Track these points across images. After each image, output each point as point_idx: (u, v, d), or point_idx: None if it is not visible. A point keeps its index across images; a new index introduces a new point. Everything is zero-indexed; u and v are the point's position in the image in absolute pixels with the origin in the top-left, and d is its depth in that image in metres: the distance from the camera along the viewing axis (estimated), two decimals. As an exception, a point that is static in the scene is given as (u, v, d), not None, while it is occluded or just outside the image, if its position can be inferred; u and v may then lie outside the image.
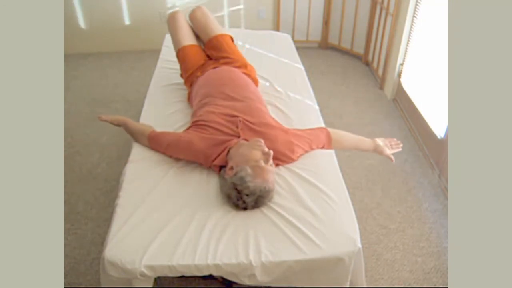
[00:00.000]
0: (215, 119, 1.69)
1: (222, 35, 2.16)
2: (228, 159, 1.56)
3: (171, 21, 2.22)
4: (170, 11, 2.19)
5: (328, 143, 1.77)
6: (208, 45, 2.18)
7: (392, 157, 1.87)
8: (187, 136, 1.64)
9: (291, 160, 1.66)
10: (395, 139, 1.91)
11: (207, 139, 1.62)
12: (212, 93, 1.85)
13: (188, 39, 2.18)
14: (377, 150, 1.87)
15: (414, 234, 2.07)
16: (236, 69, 2.04)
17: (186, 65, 2.13)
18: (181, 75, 2.19)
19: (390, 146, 1.88)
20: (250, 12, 3.84)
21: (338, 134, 1.82)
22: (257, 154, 1.50)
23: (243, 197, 1.43)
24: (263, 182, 1.44)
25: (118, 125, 1.87)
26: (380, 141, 1.87)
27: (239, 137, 1.63)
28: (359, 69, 3.68)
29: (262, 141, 1.56)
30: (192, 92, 2.01)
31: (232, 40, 2.22)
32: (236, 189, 1.43)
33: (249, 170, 1.45)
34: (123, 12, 3.72)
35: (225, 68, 2.02)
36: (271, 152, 1.51)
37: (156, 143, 1.71)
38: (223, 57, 2.12)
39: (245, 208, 1.46)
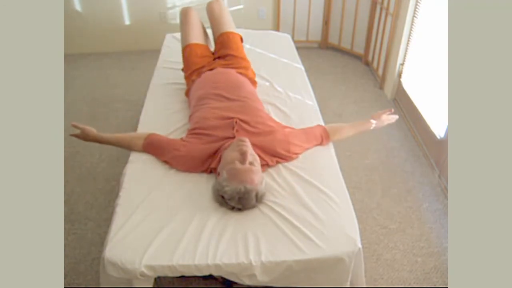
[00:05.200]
0: (211, 124, 1.69)
1: (232, 33, 2.18)
2: None
3: (183, 17, 2.24)
4: (184, 6, 2.20)
5: (326, 137, 1.78)
6: (218, 40, 2.20)
7: (395, 118, 1.92)
8: (183, 150, 1.62)
9: (289, 158, 1.67)
10: (389, 110, 1.92)
11: (202, 150, 1.61)
12: (207, 95, 1.86)
13: (196, 38, 2.18)
14: (378, 125, 1.89)
15: (414, 234, 2.07)
16: (231, 70, 2.05)
17: (189, 63, 2.15)
18: (182, 69, 2.21)
19: (387, 118, 1.91)
20: (250, 12, 3.83)
21: (334, 126, 1.85)
22: (234, 156, 1.47)
23: (227, 201, 1.44)
24: (239, 184, 1.40)
25: (84, 138, 1.75)
26: (380, 116, 1.89)
27: (234, 137, 1.63)
28: (359, 69, 3.68)
29: (246, 139, 1.54)
30: (190, 94, 2.02)
31: (242, 40, 2.23)
32: (219, 195, 1.45)
33: (225, 175, 1.44)
34: (123, 12, 3.72)
35: (220, 70, 2.04)
36: (247, 150, 1.47)
37: (151, 148, 1.70)
38: (228, 55, 2.13)
39: (239, 209, 1.46)
